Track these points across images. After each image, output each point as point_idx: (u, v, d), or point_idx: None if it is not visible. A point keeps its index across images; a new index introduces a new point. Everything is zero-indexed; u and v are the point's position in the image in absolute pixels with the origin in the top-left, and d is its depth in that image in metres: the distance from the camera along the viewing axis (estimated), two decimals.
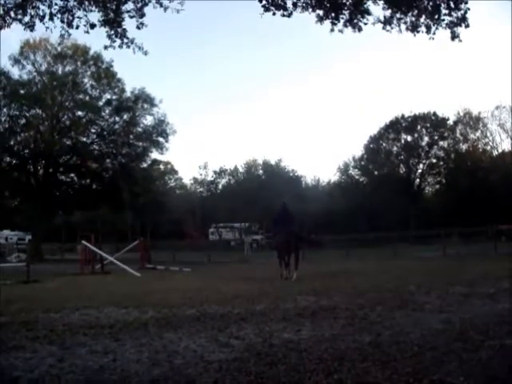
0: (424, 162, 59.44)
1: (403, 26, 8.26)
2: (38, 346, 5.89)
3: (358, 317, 7.33)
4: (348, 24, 8.35)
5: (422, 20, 8.15)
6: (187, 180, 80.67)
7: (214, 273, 18.59)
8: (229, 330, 6.64)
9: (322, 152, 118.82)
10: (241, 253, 31.19)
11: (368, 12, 8.22)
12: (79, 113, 42.16)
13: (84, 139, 42.90)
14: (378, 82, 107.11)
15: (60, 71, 41.07)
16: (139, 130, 42.61)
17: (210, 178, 65.04)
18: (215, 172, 66.91)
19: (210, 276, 16.99)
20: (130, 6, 8.31)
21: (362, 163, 62.68)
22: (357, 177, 64.41)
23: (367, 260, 23.14)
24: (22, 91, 39.04)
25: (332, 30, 8.45)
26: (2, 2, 7.97)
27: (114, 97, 42.27)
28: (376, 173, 61.17)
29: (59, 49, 40.41)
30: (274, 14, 8.21)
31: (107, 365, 5.00)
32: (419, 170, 60.00)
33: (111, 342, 6.04)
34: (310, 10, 8.31)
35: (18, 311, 8.60)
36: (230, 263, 25.86)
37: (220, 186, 68.94)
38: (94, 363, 5.07)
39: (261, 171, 70.25)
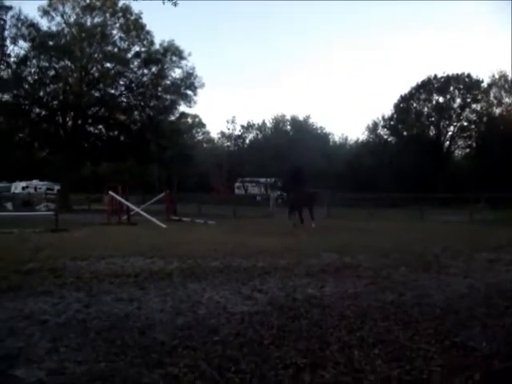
0: (455, 124, 58.36)
1: None
2: (66, 293, 6.01)
3: (381, 276, 7.30)
4: None
5: None
6: (215, 134, 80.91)
7: (238, 226, 18.65)
8: (252, 283, 6.69)
9: (351, 110, 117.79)
10: (266, 208, 31.20)
11: None
12: (108, 65, 42.20)
13: (112, 91, 43.04)
14: (411, 40, 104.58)
15: (89, 23, 40.99)
16: (167, 82, 42.58)
17: (237, 133, 64.74)
18: (243, 126, 66.59)
19: (235, 230, 17.05)
20: None
21: (392, 123, 61.70)
22: (385, 136, 63.59)
23: (392, 220, 23.00)
24: (50, 43, 39.04)
25: None
26: None
27: (142, 49, 42.16)
28: (405, 133, 60.24)
29: (88, 0, 40.13)
30: None
31: (132, 312, 5.09)
32: (449, 133, 59.02)
33: (136, 291, 6.13)
34: None
35: (46, 258, 8.75)
36: (255, 218, 25.93)
37: (247, 141, 68.74)
38: (119, 310, 5.16)
39: (289, 127, 69.83)
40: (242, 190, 56.14)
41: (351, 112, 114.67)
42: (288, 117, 70.17)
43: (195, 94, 42.54)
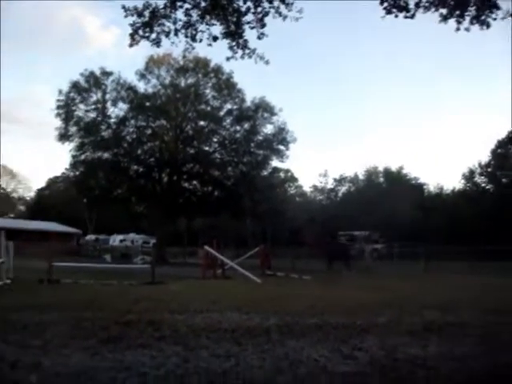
0: None
1: None
2: (164, 346, 6.05)
3: (490, 335, 6.83)
4: (475, 21, 7.94)
5: None
6: (307, 188, 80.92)
7: (334, 281, 18.34)
8: (352, 341, 6.45)
9: (445, 158, 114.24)
10: (361, 262, 30.54)
11: (497, 6, 7.76)
12: (201, 123, 44.03)
13: (206, 148, 44.62)
14: (506, 82, 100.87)
15: (183, 84, 43.27)
16: (260, 138, 43.50)
17: (329, 186, 64.59)
18: (335, 179, 66.48)
19: (330, 284, 16.77)
20: (250, 17, 8.48)
21: (489, 169, 59.18)
22: (483, 184, 60.94)
23: (497, 275, 21.70)
24: (147, 104, 41.52)
25: (458, 29, 8.09)
26: (131, 22, 8.44)
27: (234, 106, 43.64)
28: (504, 180, 57.45)
29: (181, 62, 42.54)
30: (396, 16, 8.01)
31: (230, 369, 5.02)
32: None
33: (233, 347, 6.07)
34: (433, 9, 8.03)
35: (144, 310, 8.93)
36: (350, 272, 25.40)
37: (340, 194, 68.32)
38: (217, 366, 5.11)
39: (381, 179, 68.81)
40: None
41: (446, 160, 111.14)
42: (380, 168, 69.36)
43: (287, 149, 43.14)
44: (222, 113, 43.62)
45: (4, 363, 5.02)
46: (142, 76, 42.67)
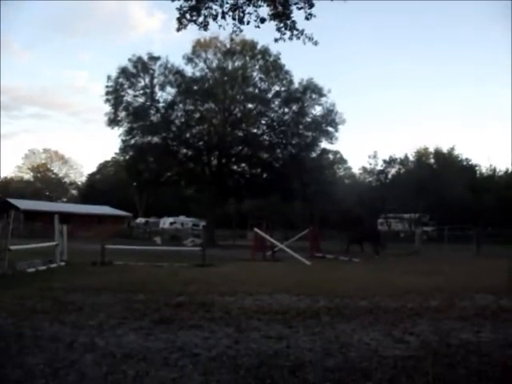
0: None
1: None
2: (215, 327, 6.18)
3: None
4: None
5: None
6: (356, 169, 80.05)
7: (383, 264, 18.17)
8: (403, 324, 6.43)
9: (498, 139, 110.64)
10: (410, 244, 30.09)
11: None
12: (249, 105, 43.85)
13: (255, 130, 44.54)
14: None
15: (230, 66, 43.07)
16: (308, 120, 43.00)
17: (379, 168, 63.55)
18: (385, 161, 65.32)
19: (380, 267, 16.63)
20: None
21: None
22: None
23: None
24: (195, 87, 41.56)
25: None
26: (178, 6, 8.49)
27: (282, 88, 43.19)
28: None
29: (228, 45, 42.34)
30: None
31: (281, 351, 5.09)
32: None
33: (284, 329, 6.13)
34: None
35: (195, 292, 9.11)
36: (400, 255, 25.10)
37: (389, 176, 67.23)
38: (268, 348, 5.19)
39: (432, 160, 67.28)
40: (385, 227, 54.76)
41: (499, 141, 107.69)
42: (431, 149, 67.72)
43: (336, 131, 42.49)
44: (269, 95, 43.28)
45: (61, 343, 5.22)
46: (190, 60, 42.73)
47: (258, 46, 42.07)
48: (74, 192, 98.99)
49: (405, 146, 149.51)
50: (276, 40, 8.94)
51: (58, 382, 4.01)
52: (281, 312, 7.22)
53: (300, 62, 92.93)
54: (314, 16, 8.49)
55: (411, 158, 69.07)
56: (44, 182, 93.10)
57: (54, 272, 13.21)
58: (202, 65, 42.84)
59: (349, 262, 19.89)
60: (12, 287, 9.52)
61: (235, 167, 46.40)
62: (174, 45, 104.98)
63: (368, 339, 5.63)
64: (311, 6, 8.42)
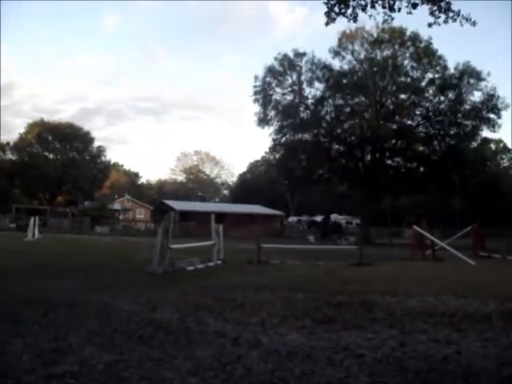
0: None
1: None
2: (378, 328, 6.01)
3: None
4: None
5: None
6: None
7: None
8: None
9: None
10: None
11: None
12: (402, 96, 42.59)
13: (409, 122, 43.28)
14: None
15: (379, 56, 42.19)
16: (467, 107, 40.85)
17: None
18: None
19: None
20: None
21: None
22: None
23: None
24: (344, 81, 41.19)
25: None
26: (325, 0, 8.38)
27: (436, 75, 41.56)
28: None
29: (375, 35, 41.40)
30: None
31: (451, 356, 4.80)
32: None
33: (452, 333, 5.81)
34: None
35: (355, 292, 8.95)
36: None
37: None
38: (436, 352, 4.93)
39: None
40: None
41: None
42: None
43: (499, 117, 39.84)
44: (423, 83, 41.65)
45: (226, 339, 5.37)
46: (336, 53, 42.55)
47: (408, 33, 40.76)
48: (226, 192, 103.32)
49: None
50: (430, 25, 8.56)
51: (226, 375, 4.12)
52: (447, 314, 6.83)
53: (453, 45, 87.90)
54: None
55: None
56: (196, 182, 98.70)
57: (212, 270, 13.71)
58: (349, 57, 42.66)
59: None
60: (176, 284, 10.05)
61: (389, 162, 45.52)
62: (317, 38, 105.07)
63: None
64: None
